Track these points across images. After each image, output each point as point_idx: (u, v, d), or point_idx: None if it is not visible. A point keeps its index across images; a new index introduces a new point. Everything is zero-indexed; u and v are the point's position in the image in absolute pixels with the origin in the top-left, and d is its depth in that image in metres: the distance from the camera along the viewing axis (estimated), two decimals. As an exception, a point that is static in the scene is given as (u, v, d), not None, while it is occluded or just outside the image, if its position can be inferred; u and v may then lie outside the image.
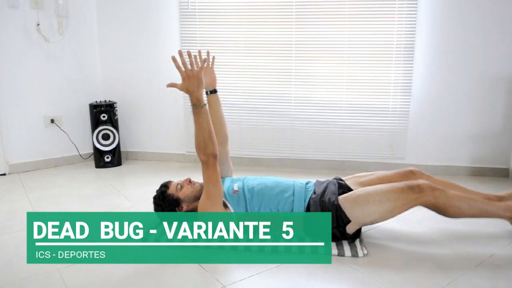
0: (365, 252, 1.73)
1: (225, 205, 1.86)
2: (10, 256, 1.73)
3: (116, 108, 3.18)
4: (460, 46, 2.81)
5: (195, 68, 1.69)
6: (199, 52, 1.93)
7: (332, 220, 1.75)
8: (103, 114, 3.13)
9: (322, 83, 2.99)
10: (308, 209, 1.81)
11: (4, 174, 2.99)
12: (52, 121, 3.17)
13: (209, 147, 1.73)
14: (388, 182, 1.88)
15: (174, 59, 1.67)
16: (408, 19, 2.79)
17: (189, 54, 1.67)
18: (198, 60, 1.88)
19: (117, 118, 3.20)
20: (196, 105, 1.72)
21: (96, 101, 3.18)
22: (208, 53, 2.05)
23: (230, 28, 3.02)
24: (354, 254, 1.71)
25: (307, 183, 1.95)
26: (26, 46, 2.99)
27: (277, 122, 3.11)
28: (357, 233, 1.83)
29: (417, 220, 2.10)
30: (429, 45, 2.84)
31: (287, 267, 1.63)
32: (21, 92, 3.02)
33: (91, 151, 3.32)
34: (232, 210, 1.85)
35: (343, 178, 2.03)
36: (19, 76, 3.00)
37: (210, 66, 2.09)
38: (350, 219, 1.75)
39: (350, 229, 1.77)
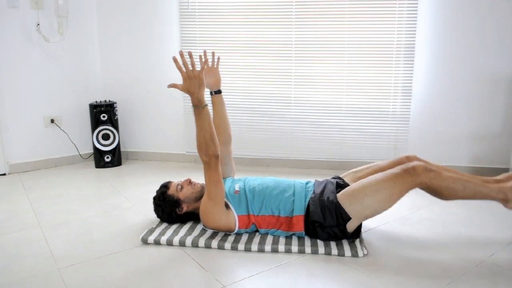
0: (365, 252, 1.73)
1: (226, 206, 1.86)
2: (10, 256, 1.73)
3: (116, 108, 3.18)
4: (460, 46, 2.81)
5: (196, 69, 1.68)
6: (205, 52, 1.91)
7: (332, 218, 1.75)
8: (103, 114, 3.12)
9: (322, 84, 2.99)
10: (308, 209, 1.81)
11: (4, 174, 2.99)
12: (52, 121, 3.17)
13: (210, 148, 1.72)
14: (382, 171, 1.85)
15: (175, 60, 1.65)
16: (409, 19, 2.79)
17: (190, 55, 1.65)
18: (202, 59, 1.87)
19: (117, 118, 3.20)
20: (197, 106, 1.70)
21: (96, 101, 3.18)
22: (213, 53, 2.05)
23: (230, 28, 3.03)
24: (354, 254, 1.71)
25: (307, 183, 1.95)
26: (26, 46, 2.99)
27: (277, 123, 3.11)
28: (358, 232, 1.83)
29: (417, 220, 2.11)
30: (429, 46, 2.84)
31: (287, 267, 1.63)
32: (21, 92, 3.02)
33: (91, 151, 3.32)
34: (233, 211, 1.85)
35: (341, 176, 2.03)
36: (19, 76, 3.00)
37: (215, 66, 2.08)
38: (350, 215, 1.73)
39: (351, 226, 1.76)
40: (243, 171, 3.05)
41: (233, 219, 1.84)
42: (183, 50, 1.66)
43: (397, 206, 2.31)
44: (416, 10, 2.77)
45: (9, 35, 2.92)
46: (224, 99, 2.15)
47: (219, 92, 2.10)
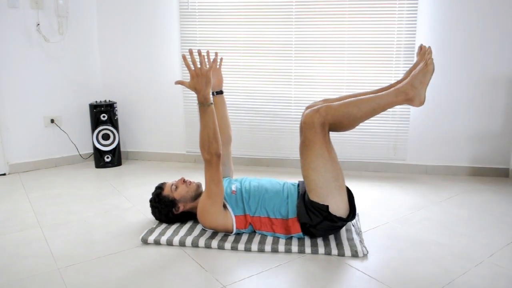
0: (365, 252, 1.73)
1: (224, 206, 1.87)
2: (10, 256, 1.73)
3: (116, 108, 3.18)
4: (460, 46, 2.81)
5: (204, 67, 1.71)
6: (208, 52, 1.95)
7: (316, 216, 1.75)
8: (103, 114, 3.13)
9: (322, 84, 2.99)
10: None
11: (4, 174, 2.99)
12: (52, 121, 3.17)
13: (213, 146, 1.74)
14: None
15: (184, 58, 1.70)
16: (409, 19, 2.79)
17: (199, 53, 1.70)
18: (206, 59, 1.89)
19: (117, 118, 3.20)
20: (203, 104, 1.73)
21: (96, 101, 3.18)
22: (216, 54, 2.06)
23: (230, 28, 3.03)
24: (354, 254, 1.71)
25: (298, 185, 1.96)
26: (26, 46, 2.99)
27: (277, 123, 3.11)
28: (353, 213, 1.81)
29: (417, 220, 2.11)
30: (429, 45, 2.84)
31: (287, 267, 1.63)
32: (21, 92, 3.02)
33: (91, 151, 3.32)
34: (230, 210, 1.85)
35: None
36: (19, 76, 3.00)
37: (218, 67, 2.11)
38: (323, 202, 1.73)
39: (336, 209, 1.75)
40: (243, 171, 3.05)
41: (231, 219, 1.85)
42: (187, 50, 1.68)
43: (397, 206, 2.32)
44: (416, 10, 2.77)
45: (9, 35, 2.92)
46: (225, 99, 2.17)
47: (221, 92, 2.13)
